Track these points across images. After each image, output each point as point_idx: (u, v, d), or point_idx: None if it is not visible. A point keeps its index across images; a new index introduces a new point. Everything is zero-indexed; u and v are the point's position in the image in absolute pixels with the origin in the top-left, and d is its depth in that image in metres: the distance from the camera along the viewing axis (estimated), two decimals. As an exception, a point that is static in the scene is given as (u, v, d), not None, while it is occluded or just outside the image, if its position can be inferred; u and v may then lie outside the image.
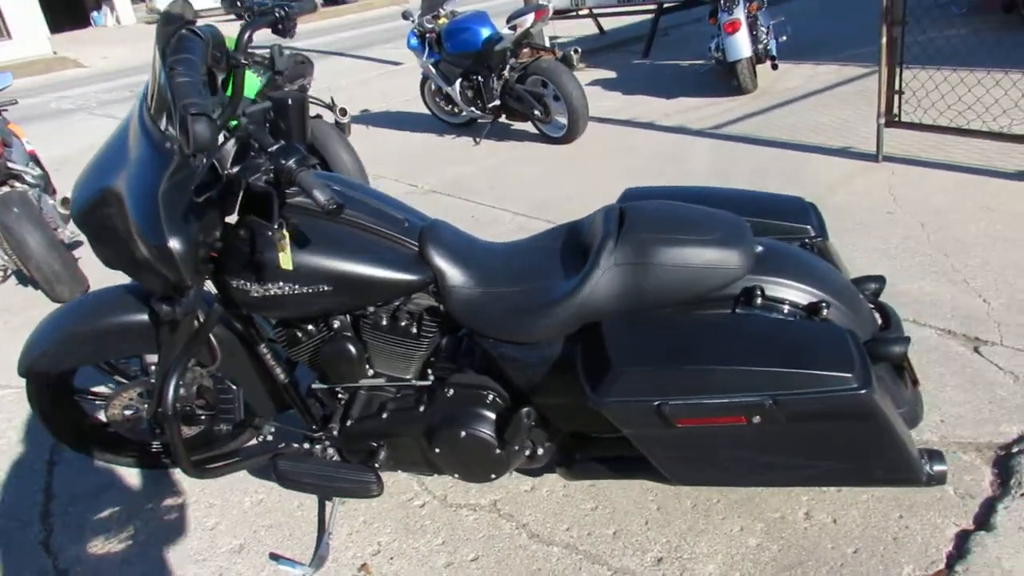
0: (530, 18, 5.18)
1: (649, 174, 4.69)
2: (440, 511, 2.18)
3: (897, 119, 4.23)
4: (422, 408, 2.01)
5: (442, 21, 5.86)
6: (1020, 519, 1.90)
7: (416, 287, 1.90)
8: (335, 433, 2.08)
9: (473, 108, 5.77)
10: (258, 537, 2.19)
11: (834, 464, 1.71)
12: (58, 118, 9.45)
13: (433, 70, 5.96)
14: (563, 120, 5.37)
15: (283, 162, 1.61)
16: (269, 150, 1.64)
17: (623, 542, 1.99)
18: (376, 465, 2.06)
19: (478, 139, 5.90)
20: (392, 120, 7.15)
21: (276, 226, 1.63)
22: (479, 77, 5.63)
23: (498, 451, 1.94)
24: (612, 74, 7.49)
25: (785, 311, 1.76)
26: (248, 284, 1.85)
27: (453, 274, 1.90)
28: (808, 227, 2.02)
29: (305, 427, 2.15)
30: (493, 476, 2.00)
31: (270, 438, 2.25)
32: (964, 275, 3.05)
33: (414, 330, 1.98)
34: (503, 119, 5.83)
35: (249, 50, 2.08)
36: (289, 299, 1.85)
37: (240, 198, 1.86)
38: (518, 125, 5.97)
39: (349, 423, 2.08)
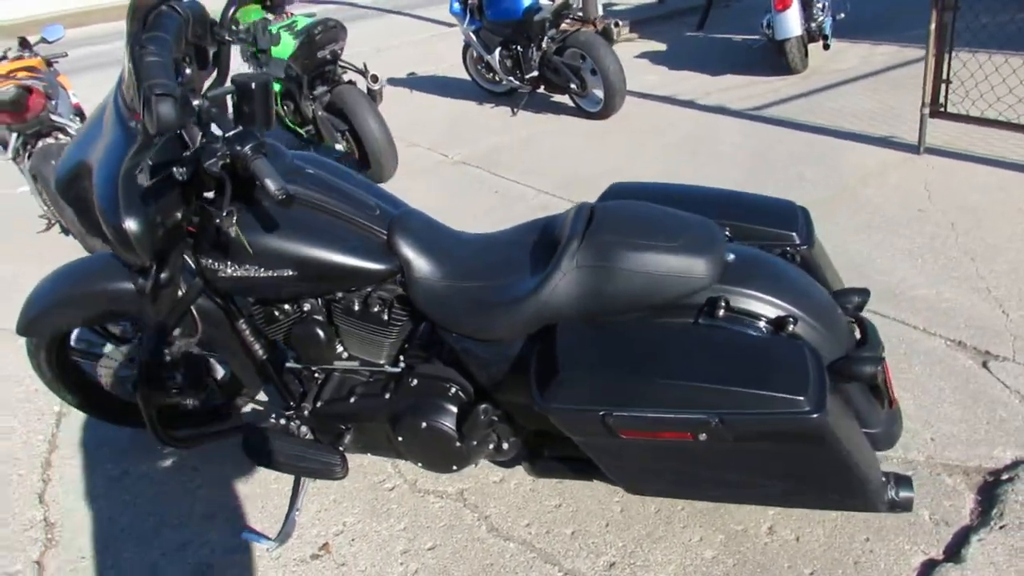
0: (570, -12, 5.05)
1: (681, 154, 4.57)
2: (408, 496, 2.20)
3: (943, 109, 4.02)
4: (388, 395, 2.02)
5: (487, -13, 5.77)
6: (993, 553, 1.82)
7: (382, 276, 1.89)
8: (306, 413, 2.11)
9: (511, 78, 5.70)
10: (232, 506, 2.24)
11: (786, 486, 1.66)
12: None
13: (474, 37, 5.89)
14: (600, 94, 5.26)
15: (238, 148, 1.60)
16: (226, 135, 1.63)
17: (579, 543, 1.98)
18: (343, 447, 2.08)
19: (515, 110, 5.83)
20: (436, 85, 7.11)
21: (225, 214, 1.63)
22: (518, 47, 5.54)
23: (457, 444, 1.94)
24: (662, 47, 7.29)
25: (749, 325, 1.69)
26: (216, 264, 1.86)
27: (419, 265, 1.89)
28: (792, 234, 1.94)
29: (282, 404, 2.18)
30: (454, 467, 2.00)
31: (249, 412, 2.29)
32: (988, 282, 2.91)
33: (384, 317, 1.98)
34: (542, 90, 5.74)
35: (234, 27, 2.06)
36: (255, 281, 1.86)
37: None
38: (557, 97, 5.88)
39: (319, 404, 2.10)
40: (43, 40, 4.74)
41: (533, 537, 2.01)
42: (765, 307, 1.71)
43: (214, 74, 2.14)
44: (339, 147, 4.75)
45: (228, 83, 1.81)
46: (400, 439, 1.98)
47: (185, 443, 2.11)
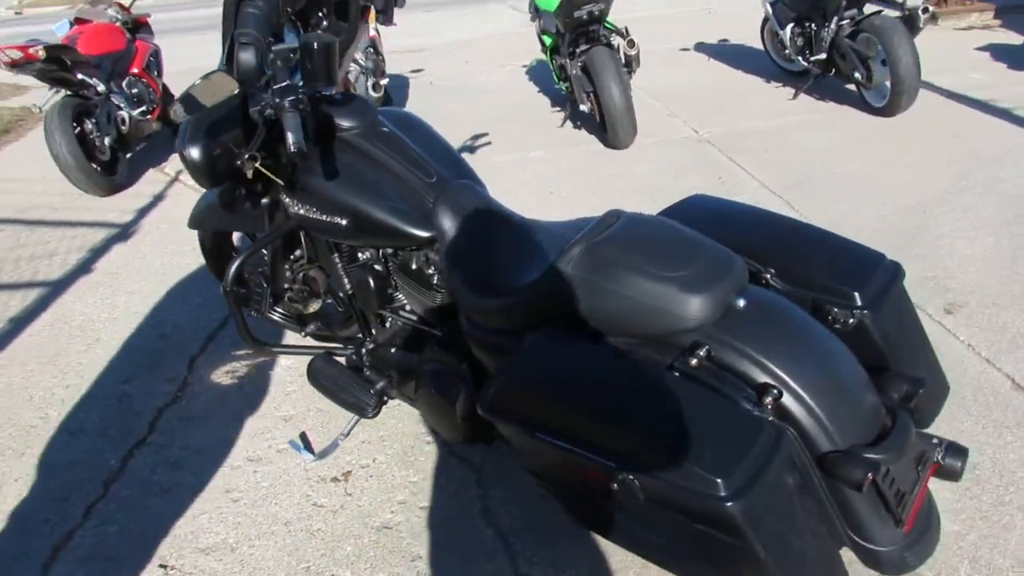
0: (870, -36, 4.44)
1: (947, 173, 3.89)
2: (437, 454, 2.27)
3: None
4: (420, 354, 2.10)
5: (795, -46, 5.30)
6: None
7: (419, 241, 1.95)
8: (363, 351, 2.28)
9: (800, 58, 5.22)
10: (306, 415, 2.50)
11: (696, 565, 1.47)
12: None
13: (770, 9, 5.48)
14: (889, 88, 4.62)
15: (276, 100, 1.75)
16: (274, 87, 1.79)
17: (550, 553, 1.92)
18: (387, 392, 2.22)
19: (797, 93, 5.34)
20: (729, 53, 6.76)
21: (247, 156, 1.79)
22: (812, 24, 5.06)
23: (458, 419, 1.97)
24: (1019, 40, 6.12)
25: (728, 383, 1.49)
26: (291, 199, 2.07)
27: (451, 238, 1.91)
28: (855, 294, 1.63)
29: (356, 338, 2.37)
30: (459, 438, 2.04)
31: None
32: None
33: (433, 280, 2.05)
34: (834, 75, 5.19)
35: None
36: (315, 222, 2.03)
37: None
38: (850, 84, 5.27)
39: (373, 346, 2.25)
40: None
41: (513, 530, 1.99)
42: (754, 369, 1.48)
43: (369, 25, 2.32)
44: (583, 108, 4.78)
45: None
46: (415, 397, 2.07)
47: (262, 347, 2.38)
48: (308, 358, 2.30)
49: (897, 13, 4.67)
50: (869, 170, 4.02)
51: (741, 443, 1.34)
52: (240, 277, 2.38)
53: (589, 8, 4.49)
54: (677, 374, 1.49)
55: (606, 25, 4.87)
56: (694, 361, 1.48)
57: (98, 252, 3.88)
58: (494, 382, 1.59)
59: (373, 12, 5.48)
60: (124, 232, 4.11)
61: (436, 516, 2.07)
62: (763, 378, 1.47)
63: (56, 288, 3.52)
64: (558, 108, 5.58)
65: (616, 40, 4.74)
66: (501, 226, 1.96)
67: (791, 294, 1.69)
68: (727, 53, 6.80)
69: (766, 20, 5.68)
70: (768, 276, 1.70)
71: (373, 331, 2.31)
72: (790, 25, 5.22)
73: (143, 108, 4.97)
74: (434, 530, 2.02)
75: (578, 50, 4.70)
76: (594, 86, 4.54)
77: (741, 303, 1.52)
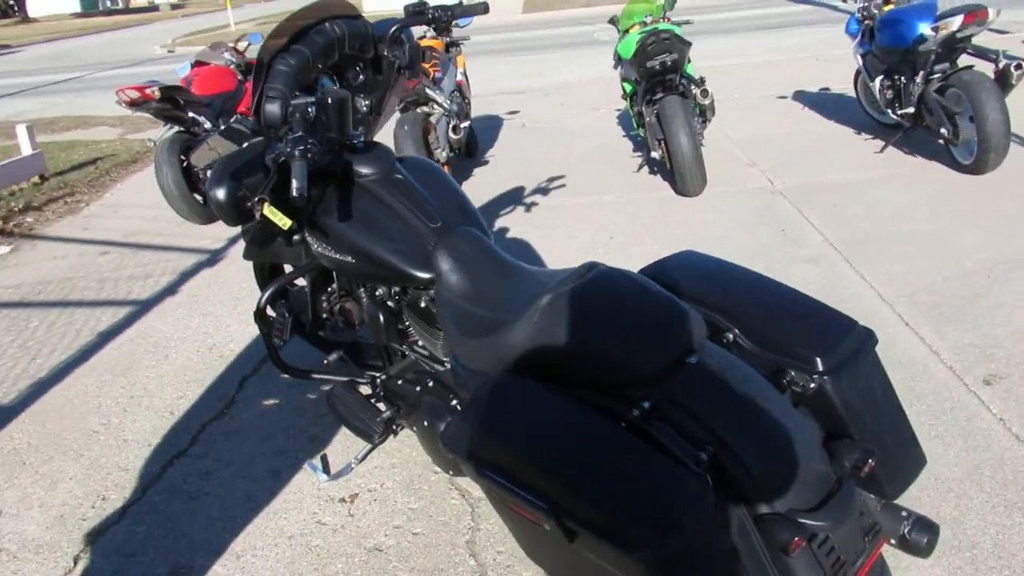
0: (957, 20, 4.30)
1: (1022, 241, 3.70)
2: (440, 485, 2.38)
3: None
4: (421, 387, 2.22)
5: (889, 7, 5.19)
6: None
7: (420, 282, 2.08)
8: (378, 382, 2.42)
9: (889, 111, 5.09)
10: (332, 437, 2.66)
11: None
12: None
13: (861, 60, 5.37)
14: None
15: (288, 148, 1.93)
16: (288, 137, 1.97)
17: None
18: (393, 420, 2.35)
19: (885, 146, 5.19)
20: (826, 102, 6.63)
21: (256, 199, 1.96)
22: (901, 77, 4.93)
23: (445, 452, 2.06)
24: None
25: (669, 439, 1.52)
26: (312, 238, 2.25)
27: (446, 280, 2.02)
28: (816, 359, 1.62)
29: (375, 369, 2.52)
30: (450, 471, 2.13)
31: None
32: None
33: (436, 319, 2.17)
34: (924, 129, 5.02)
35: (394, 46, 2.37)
36: (330, 259, 2.20)
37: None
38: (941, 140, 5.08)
39: (385, 377, 2.39)
40: (456, 25, 5.62)
41: (494, 564, 2.06)
42: (696, 426, 1.51)
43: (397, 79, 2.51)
44: (654, 155, 4.84)
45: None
46: (415, 428, 2.18)
47: (293, 373, 2.56)
48: None
49: (991, 67, 4.49)
50: (941, 230, 3.87)
51: (662, 498, 1.37)
52: (274, 305, 2.58)
53: (662, 59, 4.56)
54: (623, 425, 1.54)
55: (686, 74, 4.93)
56: (637, 413, 1.53)
57: (186, 275, 4.24)
58: (453, 420, 1.68)
59: (463, 56, 5.78)
60: (213, 258, 4.47)
61: (424, 542, 2.17)
62: (704, 434, 1.50)
63: (143, 307, 3.88)
64: (638, 153, 5.65)
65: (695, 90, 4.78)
66: (493, 271, 2.05)
67: (756, 355, 1.70)
68: (824, 102, 6.68)
69: (859, 71, 5.57)
70: (731, 336, 1.72)
71: (392, 363, 2.45)
72: (879, 77, 5.10)
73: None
74: (419, 556, 2.12)
75: (654, 98, 4.77)
76: (664, 134, 4.60)
77: (693, 360, 1.56)
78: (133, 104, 4.80)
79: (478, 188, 5.36)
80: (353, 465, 2.46)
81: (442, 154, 4.97)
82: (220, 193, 2.07)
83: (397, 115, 5.00)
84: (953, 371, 2.69)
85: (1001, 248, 3.60)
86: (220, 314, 3.70)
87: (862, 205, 4.31)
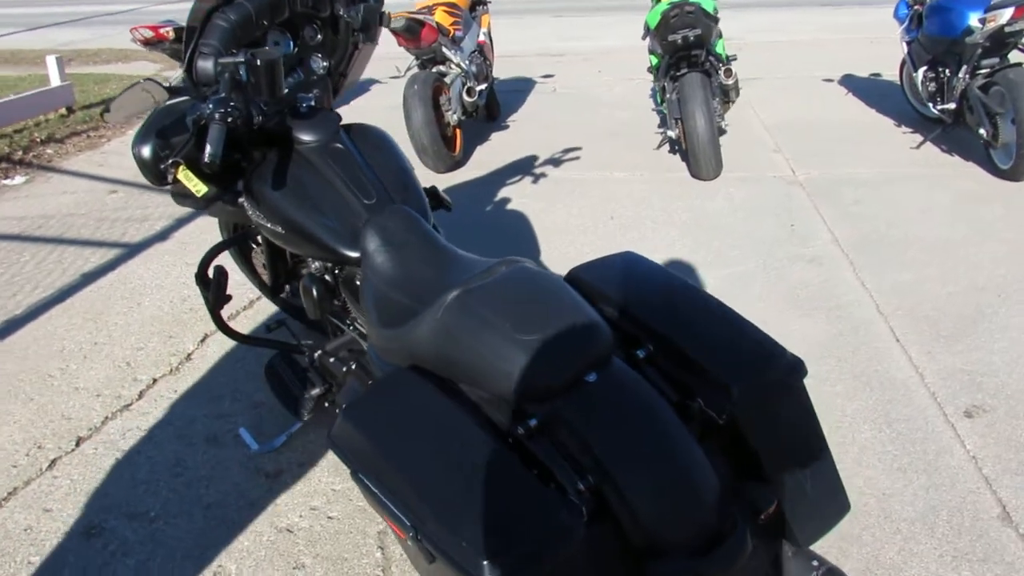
0: (1007, 13, 3.97)
1: (1055, 255, 3.44)
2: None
3: None
4: (346, 368, 2.14)
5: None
6: None
7: (346, 260, 1.98)
8: (314, 356, 2.34)
9: (930, 104, 4.78)
10: (275, 406, 2.60)
11: None
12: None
13: (906, 48, 5.05)
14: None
15: (208, 110, 1.82)
16: (210, 98, 1.86)
17: None
18: (322, 398, 2.28)
19: (923, 141, 4.89)
20: (873, 89, 6.28)
21: (170, 163, 1.87)
22: (946, 70, 4.61)
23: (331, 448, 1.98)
24: None
25: (548, 460, 1.41)
26: (248, 203, 2.15)
27: (371, 260, 1.92)
28: (732, 388, 1.48)
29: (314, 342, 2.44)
30: None
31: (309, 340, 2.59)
32: None
33: None
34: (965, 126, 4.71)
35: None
36: (263, 228, 2.11)
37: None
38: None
39: (321, 353, 2.31)
40: None
41: (400, 559, 1.99)
42: (581, 450, 1.39)
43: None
44: (670, 134, 4.64)
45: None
46: (336, 410, 2.11)
47: (233, 336, 2.48)
48: None
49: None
50: (959, 239, 3.62)
51: (527, 528, 1.27)
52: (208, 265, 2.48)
53: (684, 33, 4.32)
54: (510, 440, 1.44)
55: (714, 51, 4.69)
56: (522, 431, 1.42)
57: (182, 222, 4.21)
58: (340, 414, 1.59)
59: (488, 16, 5.59)
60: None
61: (335, 528, 2.10)
62: (587, 461, 1.38)
63: (131, 251, 3.87)
64: (662, 130, 5.43)
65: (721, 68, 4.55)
66: (421, 255, 1.93)
67: (672, 376, 1.57)
68: (870, 88, 6.33)
69: (904, 59, 5.24)
70: (645, 354, 1.58)
71: (332, 337, 2.37)
72: (923, 68, 4.78)
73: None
74: (327, 542, 2.06)
75: (677, 73, 4.55)
76: (681, 113, 4.39)
77: (591, 378, 1.44)
78: (147, 43, 4.73)
79: (490, 153, 5.22)
80: (283, 438, 2.40)
81: (453, 116, 4.83)
82: (144, 150, 1.98)
83: (414, 71, 4.87)
84: (934, 397, 2.51)
85: (1021, 265, 3.35)
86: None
87: (883, 204, 4.06)
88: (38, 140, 5.72)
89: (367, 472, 1.48)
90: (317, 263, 2.20)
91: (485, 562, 1.22)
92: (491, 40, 5.56)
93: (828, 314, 3.00)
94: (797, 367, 1.55)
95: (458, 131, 4.98)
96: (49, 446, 2.46)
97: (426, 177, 4.74)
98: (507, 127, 5.81)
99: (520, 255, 1.66)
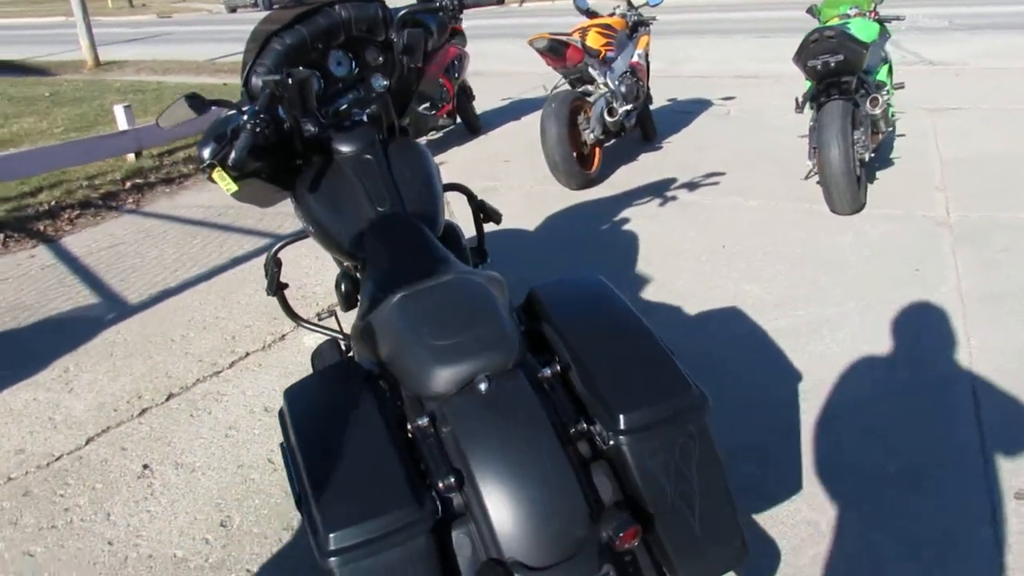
0: None
1: None
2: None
3: None
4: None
5: None
6: None
7: (357, 260, 2.19)
8: (349, 343, 2.58)
9: None
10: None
11: None
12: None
13: None
14: None
15: (243, 119, 2.10)
16: (243, 110, 2.13)
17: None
18: None
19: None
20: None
21: (206, 163, 2.15)
22: None
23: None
24: None
25: (428, 458, 1.51)
26: (295, 204, 2.43)
27: (370, 263, 2.11)
28: (620, 416, 1.49)
29: None
30: None
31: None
32: None
33: None
34: None
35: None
36: (304, 225, 2.38)
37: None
38: None
39: (347, 342, 2.54)
40: (646, 4, 5.49)
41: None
42: (454, 452, 1.49)
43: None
44: (808, 163, 4.41)
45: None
46: None
47: (292, 317, 2.77)
48: None
49: None
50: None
51: (378, 510, 1.39)
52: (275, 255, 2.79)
53: (824, 59, 4.11)
54: (408, 436, 1.57)
55: (873, 78, 4.40)
56: (416, 424, 1.54)
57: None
58: (291, 391, 1.79)
59: (648, 37, 5.60)
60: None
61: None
62: (457, 464, 1.48)
63: (275, 241, 4.35)
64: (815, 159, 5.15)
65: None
66: (405, 260, 2.09)
67: (583, 398, 1.60)
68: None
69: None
70: (550, 372, 1.63)
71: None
72: None
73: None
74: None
75: (822, 100, 4.33)
76: (818, 142, 4.17)
77: (482, 386, 1.53)
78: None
79: (630, 173, 5.25)
80: None
81: (590, 135, 4.92)
82: (205, 153, 2.32)
83: (561, 89, 5.02)
84: (986, 464, 2.25)
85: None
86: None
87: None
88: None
89: (287, 445, 1.66)
90: (347, 261, 2.44)
91: (331, 535, 1.35)
92: (648, 62, 5.57)
93: (917, 363, 2.76)
94: (700, 404, 1.54)
95: (597, 150, 5.07)
96: (147, 397, 2.91)
97: (559, 194, 4.88)
98: (660, 148, 5.79)
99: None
